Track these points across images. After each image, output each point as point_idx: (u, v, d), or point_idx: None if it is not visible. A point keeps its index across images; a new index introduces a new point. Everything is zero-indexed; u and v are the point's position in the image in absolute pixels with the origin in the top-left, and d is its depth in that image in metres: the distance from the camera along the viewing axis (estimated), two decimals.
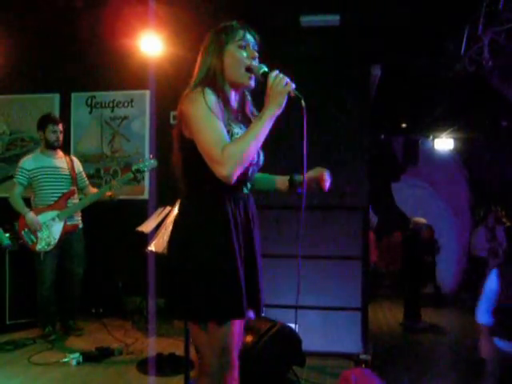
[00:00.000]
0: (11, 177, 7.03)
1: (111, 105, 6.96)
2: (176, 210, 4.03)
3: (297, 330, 4.55)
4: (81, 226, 5.60)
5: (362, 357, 5.05)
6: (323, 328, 5.51)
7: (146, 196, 6.55)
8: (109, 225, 6.02)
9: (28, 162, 5.52)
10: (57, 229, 5.40)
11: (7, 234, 5.68)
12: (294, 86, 2.30)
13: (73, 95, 7.08)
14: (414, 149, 12.33)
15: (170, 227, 4.08)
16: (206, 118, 2.22)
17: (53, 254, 5.44)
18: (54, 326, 5.57)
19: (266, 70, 2.36)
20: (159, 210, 5.37)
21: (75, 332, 5.59)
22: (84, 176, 5.75)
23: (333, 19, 5.65)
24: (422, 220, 9.49)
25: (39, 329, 5.63)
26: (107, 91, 6.97)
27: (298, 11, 5.63)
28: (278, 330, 4.27)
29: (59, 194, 5.46)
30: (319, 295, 5.53)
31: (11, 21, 6.08)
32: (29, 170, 5.46)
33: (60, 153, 5.65)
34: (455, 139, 12.08)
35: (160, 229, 4.32)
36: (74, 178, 5.57)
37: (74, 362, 4.64)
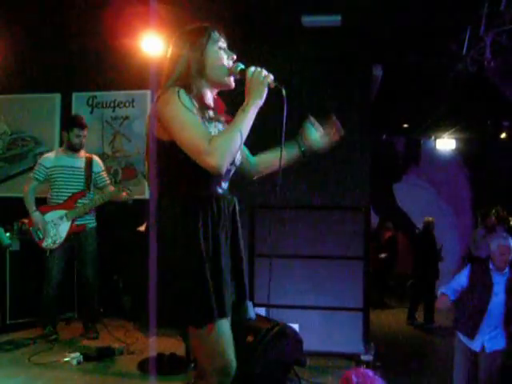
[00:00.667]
0: (12, 176, 7.07)
1: (112, 105, 6.95)
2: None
3: (298, 329, 4.55)
4: (91, 225, 5.55)
5: (364, 357, 5.05)
6: (324, 328, 5.51)
7: (146, 196, 6.54)
8: (109, 225, 6.00)
9: (48, 160, 5.55)
10: (64, 228, 5.40)
11: (8, 234, 5.68)
12: (272, 77, 2.34)
13: (74, 95, 7.06)
14: (416, 149, 12.35)
15: None
16: (184, 115, 2.23)
17: (60, 254, 5.43)
18: (54, 326, 5.55)
19: (243, 67, 2.39)
20: None
21: (88, 335, 5.51)
22: (104, 175, 5.69)
23: (334, 19, 5.65)
24: (432, 219, 9.52)
25: (39, 328, 5.64)
26: (108, 91, 6.96)
27: (300, 11, 5.63)
28: (279, 330, 4.26)
29: (70, 194, 5.46)
30: (320, 295, 5.53)
31: (12, 20, 6.07)
32: (47, 168, 5.49)
33: (81, 152, 5.62)
34: (457, 139, 12.10)
35: None
36: (88, 178, 5.53)
37: (74, 362, 4.63)
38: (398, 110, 9.65)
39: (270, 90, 2.34)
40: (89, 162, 5.59)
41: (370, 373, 4.32)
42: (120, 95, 6.95)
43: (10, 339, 5.30)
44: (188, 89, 2.32)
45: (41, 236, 5.41)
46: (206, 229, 2.33)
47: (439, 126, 11.05)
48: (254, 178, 2.84)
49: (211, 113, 2.45)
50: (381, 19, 5.62)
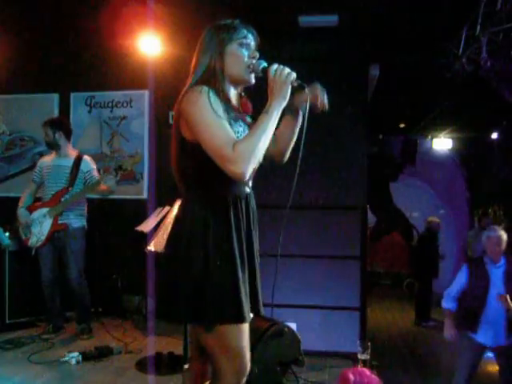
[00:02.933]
0: (11, 176, 7.09)
1: (110, 105, 6.96)
2: (175, 210, 4.06)
3: (295, 328, 4.56)
4: (76, 225, 5.49)
5: (361, 356, 5.05)
6: (322, 327, 5.52)
7: (145, 195, 6.55)
8: (108, 224, 6.03)
9: (41, 161, 5.72)
10: (46, 225, 5.41)
11: (7, 234, 5.70)
12: (294, 74, 2.30)
13: (72, 95, 7.07)
14: (413, 148, 12.36)
15: (170, 227, 4.10)
16: (210, 117, 2.17)
17: (46, 252, 5.46)
18: (55, 325, 5.59)
19: (265, 65, 2.35)
20: (158, 209, 5.38)
21: (81, 336, 5.49)
22: (94, 174, 5.62)
23: (331, 19, 5.65)
24: (437, 219, 9.54)
25: (38, 327, 5.70)
26: (106, 91, 6.96)
27: (297, 12, 5.64)
28: (276, 329, 4.28)
29: (54, 192, 5.47)
30: (318, 294, 5.54)
31: (10, 21, 6.08)
32: (41, 168, 5.64)
33: (71, 152, 5.64)
34: (453, 139, 12.11)
35: (159, 228, 4.34)
36: (72, 175, 5.51)
37: (73, 361, 4.64)
38: (394, 109, 9.66)
39: (292, 88, 2.29)
40: (77, 161, 5.59)
41: (367, 372, 4.35)
42: (118, 95, 6.96)
43: (9, 338, 5.31)
44: (213, 87, 2.28)
45: (27, 234, 5.47)
46: (238, 230, 2.32)
47: (436, 125, 11.08)
48: (282, 159, 2.77)
49: (236, 112, 2.41)
50: (377, 19, 5.63)
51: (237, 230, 2.32)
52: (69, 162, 5.56)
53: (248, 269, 2.37)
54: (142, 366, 4.62)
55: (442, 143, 12.14)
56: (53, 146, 5.61)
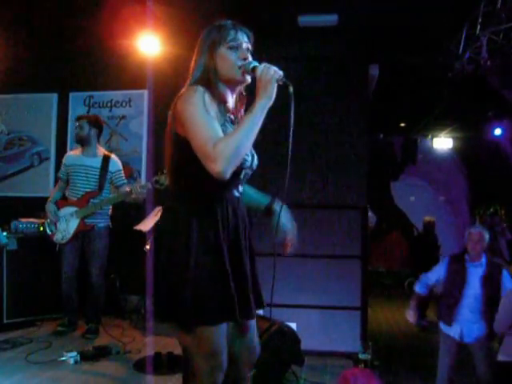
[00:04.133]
0: (9, 176, 7.07)
1: (109, 104, 6.96)
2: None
3: (295, 328, 4.55)
4: (101, 224, 5.55)
5: (361, 356, 5.05)
6: (322, 327, 5.52)
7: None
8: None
9: (68, 158, 5.70)
10: (73, 225, 5.47)
11: (5, 233, 5.69)
12: (281, 73, 2.27)
13: (71, 95, 7.07)
14: (413, 148, 12.36)
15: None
16: (199, 115, 2.19)
17: (69, 249, 5.52)
18: (70, 320, 5.65)
19: (255, 64, 2.33)
20: (157, 208, 5.39)
21: (87, 335, 5.49)
22: (121, 175, 5.68)
23: (331, 19, 5.65)
24: (432, 218, 9.54)
25: (36, 327, 5.70)
26: (105, 91, 6.95)
27: (296, 11, 5.63)
28: (276, 329, 4.27)
29: (84, 192, 5.51)
30: (318, 294, 5.54)
31: (9, 20, 6.07)
32: (67, 166, 5.62)
33: (100, 150, 5.68)
34: (454, 138, 12.11)
35: None
36: (102, 177, 5.55)
37: (71, 361, 4.62)
38: (394, 109, 9.65)
39: (278, 87, 2.27)
40: (106, 161, 5.61)
41: (368, 372, 4.35)
42: (117, 95, 6.95)
43: (7, 338, 5.28)
44: (208, 88, 2.31)
45: (53, 229, 5.53)
46: (224, 232, 2.34)
47: (436, 125, 11.07)
48: None
49: (232, 114, 2.45)
50: (377, 19, 5.62)
51: (223, 232, 2.33)
52: (97, 163, 5.58)
53: (237, 273, 2.37)
54: (140, 366, 4.60)
55: (443, 143, 12.14)
56: (83, 142, 5.60)
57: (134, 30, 5.98)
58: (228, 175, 2.16)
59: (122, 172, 5.72)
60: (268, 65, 2.28)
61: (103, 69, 6.79)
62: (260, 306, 2.55)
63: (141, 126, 6.86)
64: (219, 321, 2.31)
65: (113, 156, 5.73)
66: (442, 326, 4.76)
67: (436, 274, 4.86)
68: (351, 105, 5.78)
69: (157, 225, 2.48)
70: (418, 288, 4.93)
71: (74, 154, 5.72)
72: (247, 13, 5.51)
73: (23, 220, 5.96)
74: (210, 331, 2.30)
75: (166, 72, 6.30)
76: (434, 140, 12.14)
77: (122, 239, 6.07)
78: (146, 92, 6.80)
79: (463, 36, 5.51)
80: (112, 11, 5.33)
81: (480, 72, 5.67)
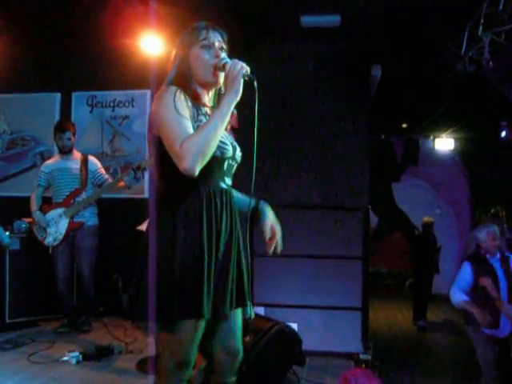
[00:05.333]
0: (12, 176, 7.08)
1: (112, 104, 6.96)
2: None
3: (296, 329, 4.55)
4: (90, 223, 5.71)
5: (362, 357, 5.05)
6: (323, 327, 5.52)
7: (145, 195, 6.54)
8: (109, 223, 6.01)
9: (46, 166, 5.85)
10: (63, 225, 5.60)
11: (7, 233, 5.70)
12: (247, 69, 2.30)
13: (73, 94, 7.07)
14: (415, 149, 12.34)
15: None
16: (169, 115, 2.23)
17: (62, 249, 5.64)
18: (70, 320, 5.73)
19: (226, 61, 2.35)
20: None
21: (81, 327, 5.67)
22: (102, 172, 5.87)
23: (333, 19, 5.65)
24: (431, 219, 9.54)
25: (39, 327, 5.74)
26: (108, 91, 6.96)
27: (299, 11, 5.63)
28: (278, 329, 4.27)
29: (68, 192, 5.66)
30: (319, 295, 5.54)
31: (12, 20, 6.07)
32: (46, 173, 5.79)
33: (76, 154, 5.86)
34: (456, 139, 12.09)
35: None
36: (84, 176, 5.73)
37: (73, 361, 4.63)
38: (396, 109, 9.65)
39: (244, 82, 2.29)
40: (84, 162, 5.80)
41: (369, 372, 4.35)
42: (120, 95, 6.96)
43: (9, 338, 5.30)
44: (183, 88, 2.35)
45: (43, 234, 5.63)
46: (208, 226, 2.33)
47: (438, 125, 11.05)
48: None
49: (207, 110, 2.46)
50: (380, 19, 5.63)
51: (208, 227, 2.33)
52: (76, 164, 5.78)
53: (218, 269, 2.37)
54: (142, 366, 4.60)
55: (444, 143, 12.11)
56: (69, 150, 5.78)
57: (136, 30, 5.99)
58: (196, 171, 2.19)
59: (101, 169, 5.92)
60: (236, 60, 2.31)
61: (106, 69, 6.79)
62: (242, 304, 2.52)
63: (144, 125, 6.85)
64: (186, 317, 2.28)
65: (90, 157, 5.91)
66: (484, 330, 4.73)
67: (464, 282, 4.86)
68: (353, 105, 5.79)
69: (148, 222, 2.48)
70: (461, 297, 4.79)
71: (52, 161, 5.91)
72: (250, 13, 5.54)
73: (26, 220, 5.97)
74: (178, 326, 2.30)
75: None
76: (436, 141, 12.13)
77: (124, 239, 6.08)
78: (148, 92, 6.81)
79: (465, 37, 5.51)
80: (115, 11, 5.34)
81: (482, 73, 5.67)
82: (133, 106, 6.92)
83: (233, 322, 2.54)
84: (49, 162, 5.92)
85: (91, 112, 6.95)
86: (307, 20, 5.69)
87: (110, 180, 5.79)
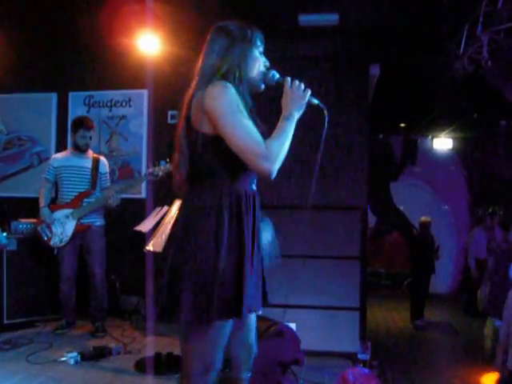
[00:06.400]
0: (9, 176, 7.07)
1: (109, 104, 6.95)
2: (174, 210, 4.03)
3: (295, 329, 4.55)
4: (98, 223, 5.62)
5: (361, 356, 5.05)
6: (322, 327, 5.51)
7: (143, 195, 6.53)
8: (106, 224, 5.99)
9: (56, 160, 5.70)
10: (69, 227, 5.50)
11: (5, 234, 5.68)
12: (309, 91, 2.44)
13: (70, 94, 7.06)
14: (413, 148, 12.35)
15: (168, 226, 4.09)
16: (239, 113, 2.24)
17: (68, 251, 5.55)
18: (68, 321, 5.70)
19: (278, 76, 2.47)
20: (157, 209, 5.38)
21: (97, 334, 5.55)
22: (108, 177, 5.80)
23: (332, 18, 5.64)
24: (429, 219, 9.53)
25: (36, 328, 5.72)
26: (105, 90, 6.95)
27: (297, 10, 5.62)
28: (276, 329, 4.26)
29: (77, 193, 5.55)
30: (318, 295, 5.53)
31: (8, 20, 6.06)
32: (55, 167, 5.63)
33: (89, 153, 5.74)
34: (454, 139, 12.09)
35: (158, 228, 4.33)
36: (94, 178, 5.63)
37: (71, 361, 4.61)
38: (395, 109, 9.64)
39: (311, 106, 2.47)
40: (96, 163, 5.69)
41: (367, 372, 4.34)
42: (117, 94, 6.94)
43: (8, 339, 5.28)
44: (234, 85, 2.34)
45: (49, 234, 5.51)
46: (248, 227, 2.36)
47: (436, 125, 11.04)
48: None
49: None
50: (378, 18, 5.62)
51: (247, 227, 2.35)
52: (89, 163, 5.66)
53: (255, 268, 2.41)
54: (140, 366, 4.59)
55: (443, 143, 12.12)
56: (84, 148, 5.66)
57: (133, 29, 5.98)
58: (275, 175, 2.27)
59: (108, 175, 5.84)
60: (296, 81, 2.42)
61: (103, 68, 6.78)
62: (265, 301, 2.58)
63: (141, 125, 6.85)
64: (226, 317, 2.30)
65: (102, 158, 5.82)
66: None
67: None
68: (351, 104, 5.77)
69: (181, 223, 2.41)
70: None
71: (62, 155, 5.75)
72: (247, 11, 5.53)
73: (23, 220, 5.95)
74: (212, 328, 2.29)
75: (166, 72, 6.30)
76: (435, 140, 12.13)
77: (121, 240, 6.08)
78: (145, 92, 6.80)
79: (464, 36, 5.49)
80: (111, 10, 5.32)
81: (481, 72, 5.66)
82: (130, 105, 6.90)
83: (251, 317, 2.58)
84: (59, 155, 5.78)
85: (88, 112, 6.92)
86: (305, 19, 5.68)
87: (109, 187, 5.70)
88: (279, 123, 2.37)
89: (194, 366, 2.35)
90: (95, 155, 5.77)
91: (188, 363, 2.37)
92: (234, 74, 2.38)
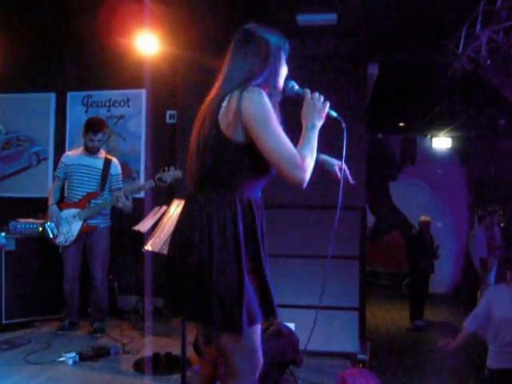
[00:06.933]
0: (7, 176, 7.07)
1: (107, 104, 6.95)
2: (172, 210, 4.01)
3: (294, 329, 4.54)
4: (103, 225, 5.60)
5: (360, 356, 5.04)
6: (321, 327, 5.48)
7: (142, 195, 6.52)
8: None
9: (67, 157, 5.71)
10: (76, 226, 5.49)
11: (3, 234, 5.67)
12: (328, 104, 2.53)
13: (69, 94, 7.06)
14: (412, 148, 12.34)
15: (167, 227, 4.07)
16: (274, 121, 2.25)
17: (72, 251, 5.55)
18: (71, 321, 5.69)
19: (297, 86, 2.56)
20: (155, 209, 5.35)
21: (95, 334, 5.52)
22: (119, 179, 5.73)
23: (330, 18, 5.64)
24: (428, 218, 9.53)
25: (35, 328, 5.71)
26: (103, 90, 6.95)
27: (295, 10, 5.61)
28: (275, 329, 4.25)
29: (85, 193, 5.53)
30: (316, 294, 5.51)
31: (7, 20, 6.06)
32: (66, 165, 5.64)
33: (101, 153, 5.71)
34: (453, 138, 12.09)
35: (156, 228, 4.30)
36: (103, 179, 5.59)
37: (70, 362, 4.61)
38: (393, 108, 9.64)
39: (331, 117, 2.59)
40: (107, 164, 5.65)
41: (366, 372, 4.33)
42: (115, 94, 6.95)
43: (6, 339, 5.28)
44: (267, 93, 2.32)
45: (56, 233, 5.52)
46: (261, 233, 2.41)
47: (435, 124, 11.04)
48: None
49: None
50: (377, 17, 5.61)
51: (260, 233, 2.40)
52: (100, 164, 5.62)
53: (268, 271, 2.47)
54: (139, 366, 4.59)
55: (442, 142, 12.12)
56: (93, 151, 5.62)
57: (132, 29, 5.97)
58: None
59: (121, 177, 5.77)
60: (316, 93, 2.52)
61: (101, 68, 6.78)
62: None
63: (139, 125, 6.85)
64: (264, 318, 2.37)
65: (114, 159, 5.76)
66: None
67: None
68: (350, 104, 5.76)
69: (197, 230, 2.33)
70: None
71: (74, 153, 5.73)
72: (245, 11, 5.52)
73: (21, 220, 5.94)
74: (252, 330, 2.32)
75: (164, 71, 6.30)
76: (433, 140, 12.13)
77: (120, 240, 6.07)
78: (144, 91, 6.80)
79: (463, 35, 5.49)
80: (110, 10, 5.31)
81: (480, 71, 5.65)
82: (128, 105, 6.90)
83: None
84: (71, 153, 5.76)
85: (86, 112, 6.93)
86: (303, 18, 5.68)
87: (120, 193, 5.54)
88: (303, 134, 2.41)
89: (243, 368, 2.37)
90: (108, 156, 5.74)
91: (238, 365, 2.36)
92: (268, 82, 2.39)
